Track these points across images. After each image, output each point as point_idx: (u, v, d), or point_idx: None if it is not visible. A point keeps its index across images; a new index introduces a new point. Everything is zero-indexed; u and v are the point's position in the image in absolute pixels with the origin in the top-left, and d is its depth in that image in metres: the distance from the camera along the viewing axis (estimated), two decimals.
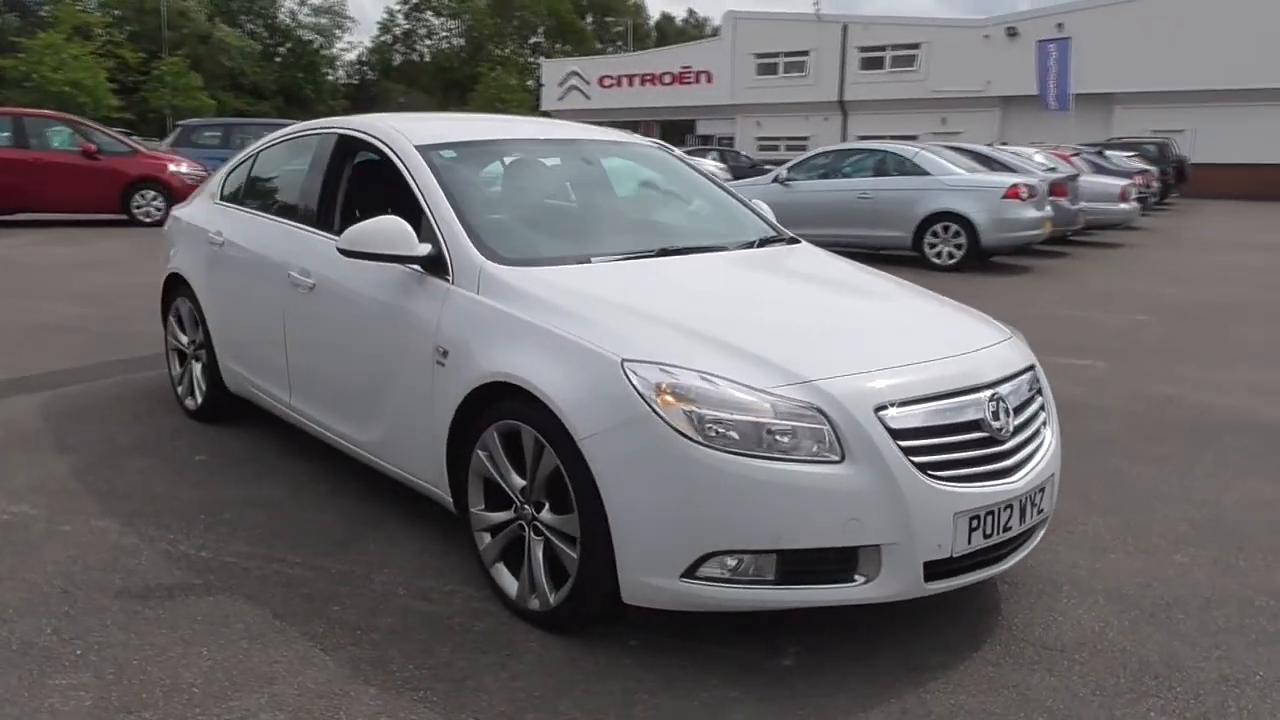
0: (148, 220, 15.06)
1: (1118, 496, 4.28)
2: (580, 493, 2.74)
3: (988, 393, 2.85)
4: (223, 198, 5.02)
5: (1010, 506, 2.78)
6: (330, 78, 67.94)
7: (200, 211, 5.14)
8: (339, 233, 3.90)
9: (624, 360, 2.71)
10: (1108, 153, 20.13)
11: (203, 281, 4.83)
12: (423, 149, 3.69)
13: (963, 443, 2.73)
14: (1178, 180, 24.81)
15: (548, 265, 3.33)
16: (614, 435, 2.65)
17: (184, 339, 5.12)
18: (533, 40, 74.95)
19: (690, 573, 2.62)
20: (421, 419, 3.31)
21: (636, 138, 4.53)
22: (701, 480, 2.57)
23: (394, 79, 68.35)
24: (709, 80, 41.52)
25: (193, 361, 5.06)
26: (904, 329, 3.20)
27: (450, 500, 3.29)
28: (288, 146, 4.68)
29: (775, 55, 39.75)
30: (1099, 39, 29.88)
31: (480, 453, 3.08)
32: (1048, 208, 11.96)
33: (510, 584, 3.07)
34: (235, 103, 53.84)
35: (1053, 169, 14.05)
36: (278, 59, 62.71)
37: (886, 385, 2.71)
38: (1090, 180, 14.92)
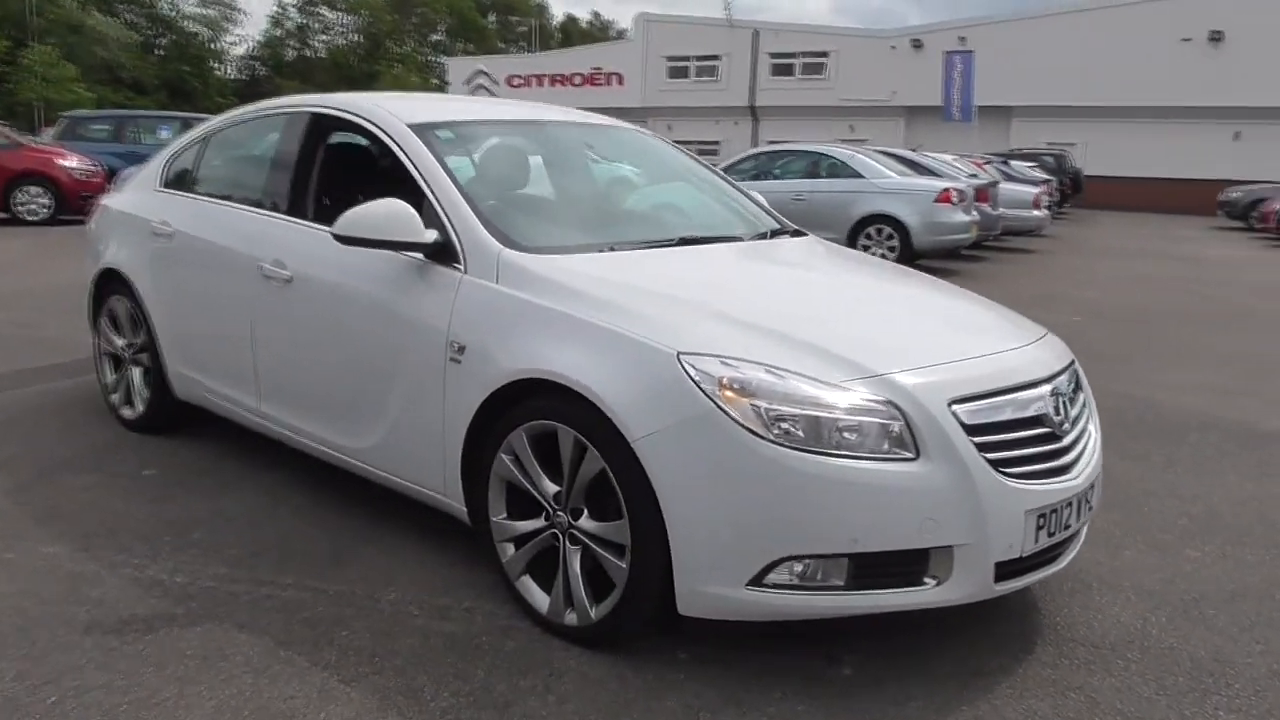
0: (33, 219, 14.01)
1: (1112, 493, 4.24)
2: (632, 497, 2.53)
3: (1048, 387, 2.75)
4: (166, 184, 4.61)
5: (1070, 504, 2.69)
6: (218, 73, 65.40)
7: (139, 200, 4.70)
8: (316, 220, 3.62)
9: (680, 353, 2.51)
10: (1012, 163, 20.74)
11: (146, 277, 4.42)
12: (418, 128, 3.42)
13: (1029, 439, 2.62)
14: (1073, 191, 25.77)
15: (571, 253, 3.11)
16: (672, 434, 2.45)
17: (120, 342, 4.69)
18: (434, 38, 73.67)
19: (758, 580, 2.44)
20: (429, 421, 3.05)
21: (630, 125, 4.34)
22: (774, 480, 2.39)
23: (287, 75, 66.00)
24: (620, 82, 41.45)
25: (131, 367, 4.64)
26: (954, 323, 3.08)
27: (464, 510, 3.04)
28: (248, 128, 4.32)
29: (687, 59, 39.94)
30: (998, 53, 30.88)
31: (505, 457, 2.84)
32: (974, 212, 12.19)
33: (540, 598, 2.83)
34: (114, 97, 50.89)
35: (974, 175, 14.35)
36: (160, 51, 59.88)
37: (956, 379, 2.58)
38: (1006, 187, 15.29)
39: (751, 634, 2.75)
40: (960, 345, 2.78)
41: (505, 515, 2.90)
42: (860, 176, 11.93)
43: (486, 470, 2.90)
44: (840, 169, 12.16)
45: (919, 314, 3.14)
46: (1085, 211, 27.92)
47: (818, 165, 12.39)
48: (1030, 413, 2.65)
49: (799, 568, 2.44)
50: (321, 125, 3.81)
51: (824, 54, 37.17)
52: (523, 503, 2.86)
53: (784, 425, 2.40)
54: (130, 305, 4.54)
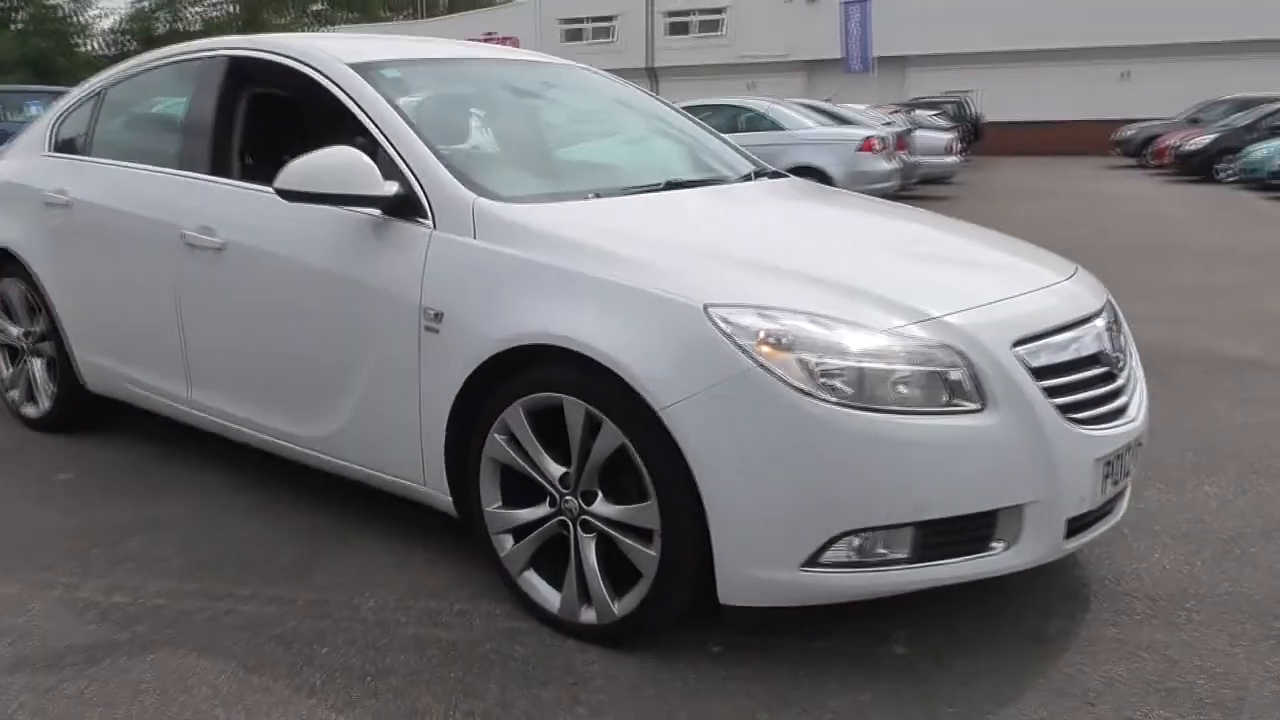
0: None
1: None
2: (660, 475, 2.20)
3: (1101, 321, 2.50)
4: (56, 148, 4.03)
5: (1129, 448, 2.45)
6: (84, 49, 61.98)
7: (25, 168, 4.10)
8: (246, 179, 3.17)
9: (708, 306, 2.18)
10: (915, 112, 20.82)
11: (42, 255, 3.87)
12: (361, 68, 2.98)
13: (1090, 379, 2.37)
14: (975, 137, 26.07)
15: (556, 202, 2.73)
16: (706, 400, 2.13)
17: (14, 331, 4.13)
18: (315, 8, 70.98)
19: (813, 560, 2.14)
20: (403, 402, 2.65)
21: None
22: (829, 445, 2.09)
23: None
24: (515, 46, 40.41)
25: (30, 358, 4.09)
26: (990, 261, 2.80)
27: (448, 500, 2.66)
28: (153, 78, 3.77)
29: (581, 20, 39.08)
30: (894, 3, 31.00)
31: (498, 437, 2.47)
32: (896, 160, 12.09)
33: (549, 595, 2.48)
34: None
35: (889, 124, 14.27)
36: (16, 25, 56.42)
37: (1013, 318, 2.31)
38: (921, 135, 15.28)
39: (783, 616, 2.44)
40: (1005, 283, 2.50)
41: (501, 504, 2.54)
42: (780, 129, 11.70)
43: (476, 454, 2.53)
44: (759, 122, 11.90)
45: (950, 253, 2.85)
46: (985, 158, 28.32)
47: (736, 119, 12.10)
48: (1089, 351, 2.40)
49: (858, 542, 2.15)
50: (245, 70, 3.33)
51: (720, 10, 36.77)
52: (522, 489, 2.50)
53: (836, 381, 2.10)
54: (24, 288, 3.98)
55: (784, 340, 2.12)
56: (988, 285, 2.45)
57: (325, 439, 2.92)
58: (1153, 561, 2.88)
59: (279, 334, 2.97)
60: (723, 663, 2.35)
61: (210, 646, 2.42)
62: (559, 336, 2.29)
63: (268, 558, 2.89)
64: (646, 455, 2.21)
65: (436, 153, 2.72)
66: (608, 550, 2.38)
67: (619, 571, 2.37)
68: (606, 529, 2.35)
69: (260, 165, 3.24)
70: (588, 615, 2.41)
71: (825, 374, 2.10)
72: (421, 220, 2.65)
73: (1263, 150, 17.18)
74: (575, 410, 2.31)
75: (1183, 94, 26.28)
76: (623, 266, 2.32)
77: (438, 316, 2.54)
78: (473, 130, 3.18)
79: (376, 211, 2.70)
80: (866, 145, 11.40)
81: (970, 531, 2.20)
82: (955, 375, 2.15)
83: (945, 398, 2.15)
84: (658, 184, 3.06)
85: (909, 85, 32.42)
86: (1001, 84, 31.71)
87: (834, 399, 2.09)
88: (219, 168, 3.26)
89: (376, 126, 2.80)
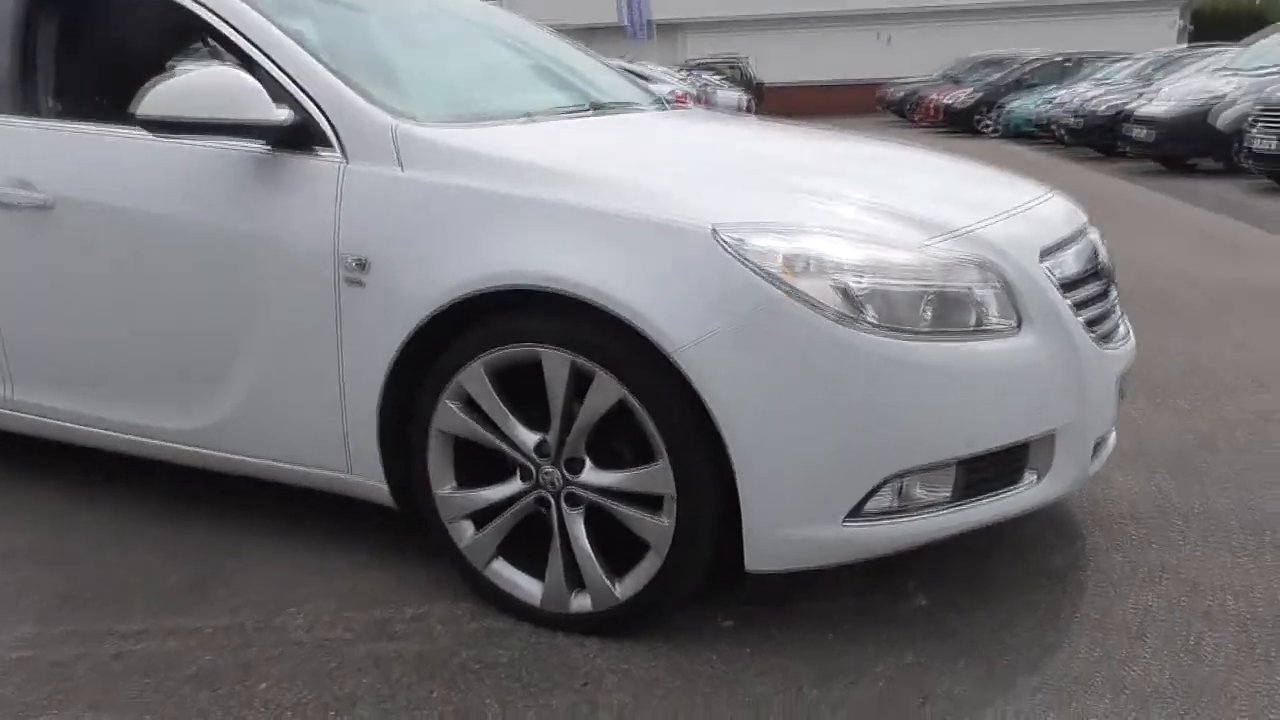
0: None
1: None
2: (673, 430, 1.87)
3: (1094, 233, 2.37)
4: None
5: (1130, 367, 2.34)
6: None
7: None
8: (73, 118, 2.56)
9: (717, 228, 1.85)
10: (701, 74, 21.09)
11: None
12: None
13: (1098, 295, 2.22)
14: (758, 100, 26.79)
15: (489, 124, 2.31)
16: (730, 337, 1.81)
17: None
18: None
19: (858, 511, 1.88)
20: (315, 374, 2.18)
21: None
22: (877, 377, 1.82)
23: None
24: None
25: None
26: (975, 175, 2.58)
27: (384, 488, 2.21)
28: None
29: None
30: None
31: (452, 405, 2.06)
32: None
33: (528, 586, 2.11)
34: None
35: (685, 84, 14.26)
36: None
37: (1031, 230, 2.12)
38: (719, 94, 15.40)
39: (781, 581, 2.17)
40: (1008, 195, 2.31)
41: (455, 486, 2.13)
42: None
43: (421, 428, 2.10)
44: None
45: (932, 169, 2.61)
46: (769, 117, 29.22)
47: None
48: (1092, 265, 2.25)
49: (902, 486, 1.90)
50: None
51: None
52: (484, 464, 2.11)
53: (877, 306, 1.83)
54: None
55: (813, 262, 1.83)
56: (995, 197, 2.25)
57: (208, 430, 2.38)
58: (1118, 483, 2.81)
59: (137, 308, 2.39)
60: (742, 638, 2.06)
61: (106, 702, 1.89)
62: (542, 277, 1.90)
63: (150, 582, 2.33)
64: (655, 409, 1.87)
65: (337, 73, 2.23)
66: (600, 525, 2.03)
67: (617, 550, 2.02)
68: (600, 501, 1.99)
69: (89, 102, 2.62)
70: (580, 603, 2.06)
71: (865, 298, 1.83)
72: (325, 152, 2.16)
73: (1019, 104, 18.50)
74: (558, 364, 1.94)
75: (938, 55, 28.02)
76: (606, 191, 1.96)
77: (361, 265, 2.08)
78: (370, 51, 2.67)
79: (262, 145, 2.19)
80: (679, 99, 11.29)
81: (1007, 464, 2.00)
82: (992, 293, 1.93)
83: (983, 318, 1.93)
84: (583, 106, 2.69)
85: (685, 49, 32.88)
86: (774, 48, 32.75)
87: (878, 326, 1.82)
88: (29, 105, 2.60)
89: (255, 45, 2.26)
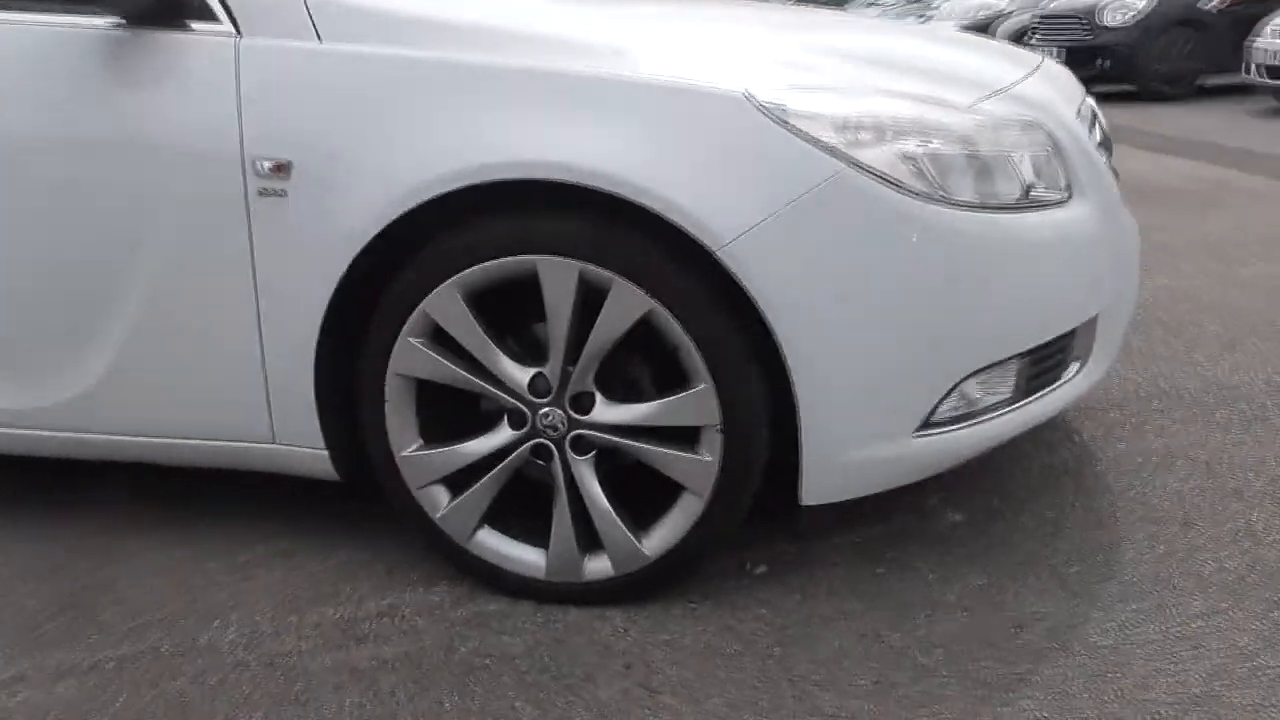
0: None
1: None
2: (717, 344, 1.53)
3: (1092, 99, 2.18)
4: None
5: None
6: None
7: None
8: None
9: (752, 93, 1.51)
10: None
11: None
12: None
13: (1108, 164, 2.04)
14: None
15: None
16: (784, 225, 1.48)
17: None
18: None
19: (928, 420, 1.61)
20: (223, 318, 1.69)
21: None
22: (957, 259, 1.55)
23: None
24: None
25: None
26: (971, 42, 2.32)
27: (322, 454, 1.75)
28: None
29: None
30: None
31: (414, 341, 1.63)
32: None
33: (525, 555, 1.72)
34: None
35: None
36: None
37: (1057, 93, 1.90)
38: None
39: (787, 520, 1.91)
40: (1017, 63, 2.07)
41: (423, 444, 1.71)
42: None
43: (375, 375, 1.66)
44: None
45: (928, 37, 2.31)
46: None
47: None
48: (1103, 130, 2.07)
49: (969, 386, 1.65)
50: None
51: None
52: (456, 413, 1.70)
53: (946, 175, 1.55)
54: None
55: (870, 128, 1.53)
56: (1007, 66, 2.00)
57: (71, 407, 1.82)
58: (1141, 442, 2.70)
59: None
60: (785, 583, 1.77)
61: None
62: (543, 165, 1.49)
63: (16, 612, 1.77)
64: (693, 321, 1.52)
65: None
66: (616, 473, 1.68)
67: (637, 499, 1.68)
68: (618, 442, 1.63)
69: None
70: (597, 567, 1.70)
71: (934, 167, 1.54)
72: (204, 26, 1.64)
73: None
74: (561, 277, 1.55)
75: None
76: (610, 58, 1.56)
77: (280, 170, 1.59)
78: None
79: (112, 20, 1.65)
80: None
81: (1057, 355, 1.79)
82: (1047, 156, 1.69)
83: (1046, 186, 1.68)
84: None
85: None
86: None
87: (950, 199, 1.54)
88: None
89: None
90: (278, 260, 1.63)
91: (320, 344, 1.65)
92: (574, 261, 1.53)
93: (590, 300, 1.56)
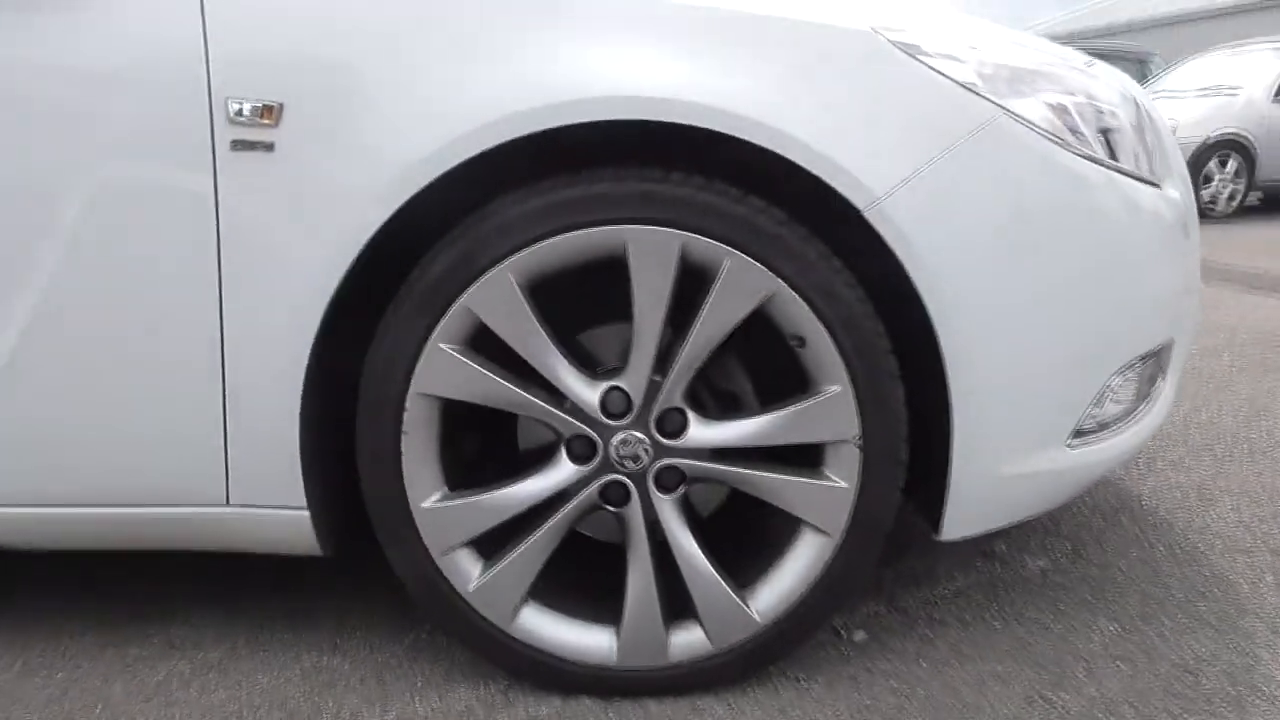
0: None
1: None
2: (855, 335, 1.21)
3: None
4: None
5: None
6: None
7: None
8: None
9: (878, 29, 1.24)
10: None
11: None
12: None
13: None
14: None
15: None
16: (943, 177, 1.20)
17: None
18: None
19: (1079, 428, 1.35)
20: (163, 321, 1.21)
21: None
22: (1125, 233, 1.32)
23: None
24: None
25: None
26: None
27: (301, 515, 1.27)
28: None
29: None
30: None
31: (447, 348, 1.21)
32: None
33: (586, 638, 1.30)
34: None
35: None
36: None
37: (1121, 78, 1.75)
38: None
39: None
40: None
41: (447, 490, 1.27)
42: None
43: (387, 399, 1.22)
44: None
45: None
46: None
47: None
48: None
49: (1114, 385, 1.41)
50: None
51: None
52: (496, 447, 1.29)
53: (1100, 138, 1.33)
54: None
55: (1017, 76, 1.29)
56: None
57: None
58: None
59: None
60: (898, 649, 1.43)
61: None
62: (647, 103, 1.14)
63: None
64: (826, 304, 1.20)
65: None
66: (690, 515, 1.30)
67: (727, 551, 1.31)
68: (719, 471, 1.26)
69: None
70: (686, 643, 1.29)
71: (1089, 127, 1.32)
72: None
73: None
74: (656, 253, 1.19)
75: None
76: None
77: (266, 114, 1.16)
78: None
79: None
80: None
81: (1159, 363, 1.59)
82: (1148, 133, 1.52)
83: (1143, 164, 1.50)
84: None
85: None
86: None
87: (1107, 162, 1.32)
88: None
89: None
90: (256, 241, 1.18)
91: (313, 361, 1.20)
92: (676, 232, 1.19)
93: (695, 283, 1.21)
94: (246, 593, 1.60)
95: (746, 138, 1.15)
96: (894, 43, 1.23)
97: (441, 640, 1.45)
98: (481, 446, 1.37)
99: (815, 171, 1.16)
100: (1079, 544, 1.78)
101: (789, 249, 1.19)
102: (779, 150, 1.15)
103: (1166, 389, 1.59)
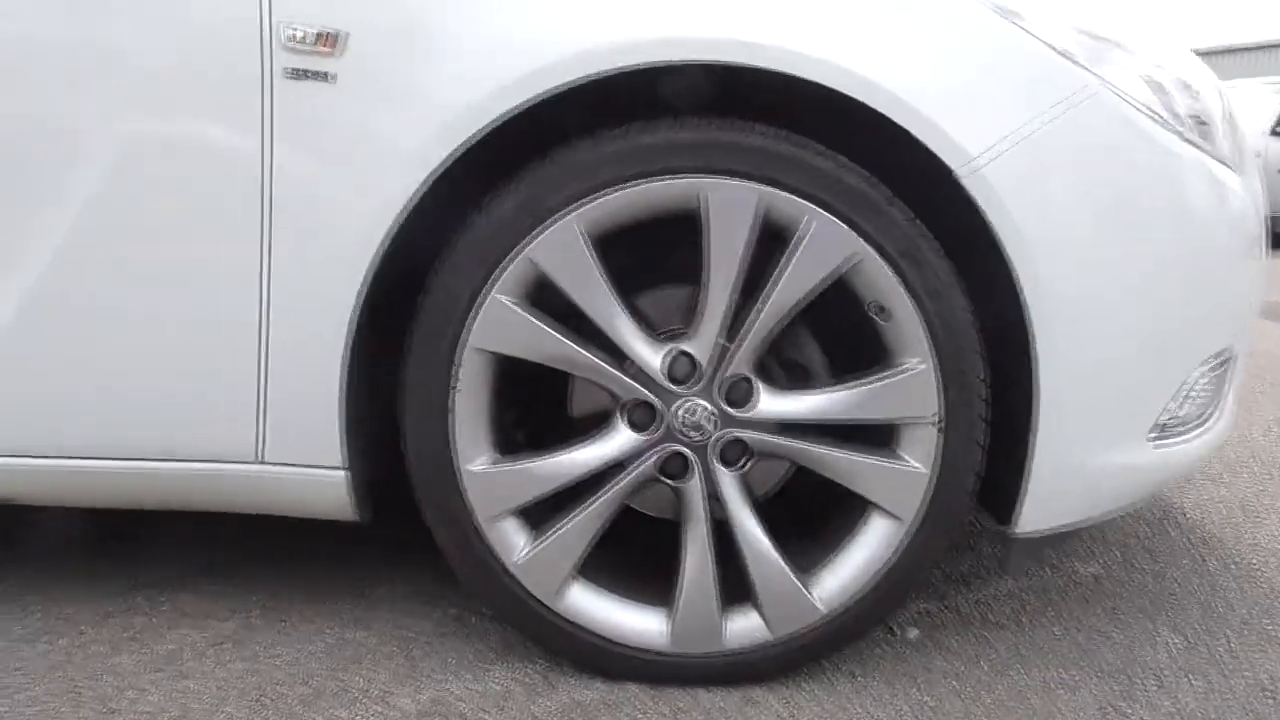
0: None
1: None
2: (941, 306, 1.14)
3: None
4: None
5: None
6: None
7: None
8: None
9: None
10: None
11: None
12: None
13: None
14: None
15: None
16: (1041, 144, 1.13)
17: None
18: None
19: (1160, 423, 1.28)
20: (200, 256, 1.13)
21: None
22: (1220, 217, 1.26)
23: None
24: None
25: None
26: None
27: (339, 474, 1.19)
28: None
29: None
30: None
31: (506, 300, 1.13)
32: None
33: (642, 620, 1.22)
34: None
35: None
36: None
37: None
38: None
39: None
40: None
41: (497, 455, 1.19)
42: None
43: (440, 354, 1.14)
44: None
45: None
46: None
47: None
48: None
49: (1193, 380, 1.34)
50: None
51: None
52: (546, 413, 1.21)
53: (1192, 119, 1.27)
54: None
55: (1109, 46, 1.23)
56: None
57: None
58: None
59: None
60: (956, 650, 1.35)
61: None
62: (735, 45, 1.07)
63: None
64: (913, 271, 1.13)
65: None
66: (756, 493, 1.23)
67: (789, 533, 1.23)
68: (789, 447, 1.19)
69: None
70: (743, 629, 1.21)
71: (1186, 108, 1.26)
72: None
73: None
74: (733, 208, 1.12)
75: None
76: None
77: (325, 41, 1.09)
78: None
79: None
80: None
81: (1224, 368, 1.53)
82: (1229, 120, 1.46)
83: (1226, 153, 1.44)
84: None
85: None
86: None
87: (1203, 145, 1.26)
88: None
89: None
90: (308, 175, 1.10)
91: (360, 313, 1.12)
92: (756, 186, 1.11)
93: (773, 242, 1.14)
94: (258, 564, 1.51)
95: (836, 86, 1.08)
96: (993, 6, 1.16)
97: (471, 619, 1.36)
98: (526, 408, 1.29)
99: (911, 128, 1.09)
100: (1129, 552, 1.71)
101: (876, 209, 1.12)
102: (868, 101, 1.08)
103: (1230, 401, 1.52)
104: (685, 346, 1.17)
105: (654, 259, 1.27)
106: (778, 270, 1.13)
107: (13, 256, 1.13)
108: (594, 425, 1.20)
